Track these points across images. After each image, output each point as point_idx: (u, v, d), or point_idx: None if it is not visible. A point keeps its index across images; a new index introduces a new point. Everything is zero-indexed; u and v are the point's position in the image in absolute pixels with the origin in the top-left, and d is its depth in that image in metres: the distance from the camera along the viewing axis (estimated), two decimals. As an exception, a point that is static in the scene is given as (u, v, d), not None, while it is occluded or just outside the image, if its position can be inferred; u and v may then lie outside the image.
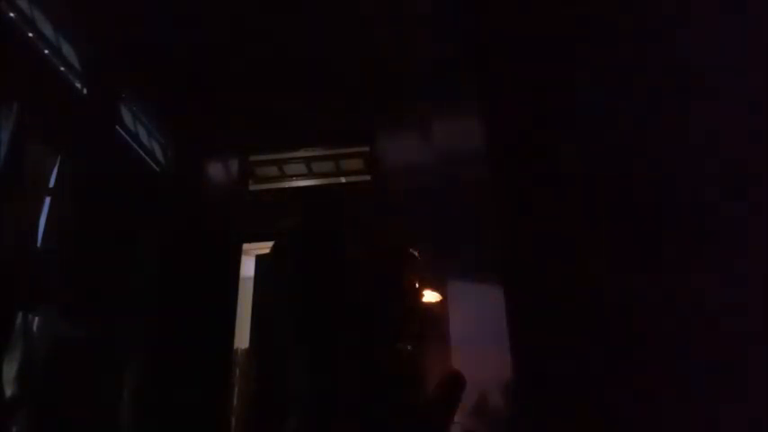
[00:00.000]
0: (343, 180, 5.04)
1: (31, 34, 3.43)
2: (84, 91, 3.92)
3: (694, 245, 1.51)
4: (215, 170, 5.29)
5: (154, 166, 4.88)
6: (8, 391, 2.88)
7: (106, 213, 3.89)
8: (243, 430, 4.59)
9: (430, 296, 2.71)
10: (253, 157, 5.12)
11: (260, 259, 4.81)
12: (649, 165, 1.81)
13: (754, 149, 1.18)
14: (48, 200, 3.48)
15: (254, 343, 4.55)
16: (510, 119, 3.38)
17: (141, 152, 4.71)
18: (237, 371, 4.84)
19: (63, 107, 3.68)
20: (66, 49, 3.79)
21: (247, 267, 4.90)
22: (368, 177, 4.91)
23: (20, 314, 3.05)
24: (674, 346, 1.60)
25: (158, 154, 5.01)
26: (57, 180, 3.56)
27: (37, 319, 3.24)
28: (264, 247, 4.52)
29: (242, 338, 4.72)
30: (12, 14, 3.26)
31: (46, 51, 3.57)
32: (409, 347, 2.32)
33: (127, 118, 4.54)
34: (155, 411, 4.04)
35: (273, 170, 5.16)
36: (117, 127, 4.35)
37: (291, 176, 5.15)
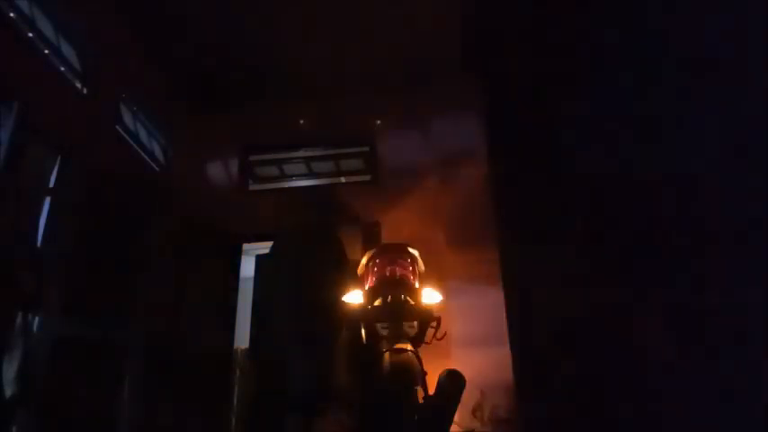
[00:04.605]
0: (343, 180, 5.05)
1: (31, 34, 3.43)
2: (85, 91, 3.92)
3: (695, 245, 1.51)
4: (215, 170, 5.29)
5: (154, 166, 4.88)
6: (8, 391, 2.87)
7: (106, 213, 3.89)
8: (243, 430, 4.59)
9: (430, 296, 2.72)
10: (253, 157, 5.13)
11: (260, 259, 4.81)
12: (651, 164, 1.81)
13: (757, 148, 1.18)
14: (48, 200, 3.48)
15: (254, 343, 4.55)
16: (510, 118, 3.38)
17: (141, 152, 4.71)
18: (237, 371, 4.84)
19: (63, 107, 3.68)
20: (67, 50, 3.79)
21: (247, 267, 4.91)
22: (368, 177, 4.92)
23: (20, 314, 3.05)
24: (675, 346, 1.60)
25: (158, 154, 5.01)
26: (57, 180, 3.56)
27: (37, 319, 3.24)
28: (264, 247, 4.53)
29: (242, 338, 4.72)
30: (12, 14, 3.26)
31: (46, 51, 3.57)
32: (411, 347, 2.32)
33: (127, 118, 4.54)
34: (155, 411, 4.04)
35: (273, 170, 5.16)
36: (117, 127, 4.35)
37: (291, 176, 5.15)
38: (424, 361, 2.29)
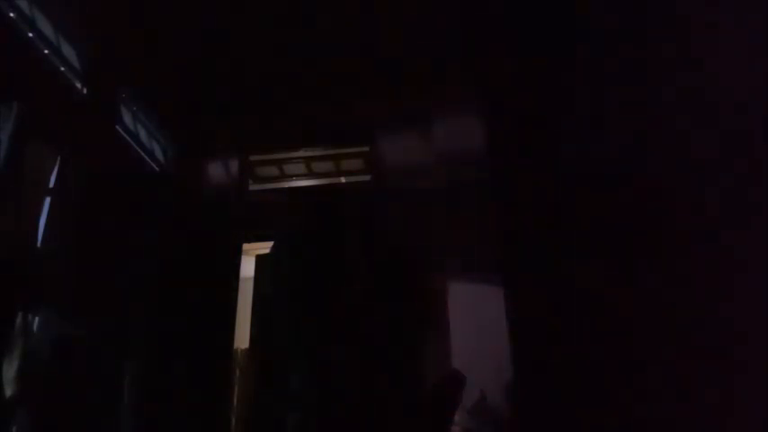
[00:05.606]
0: (343, 180, 5.05)
1: (31, 34, 3.43)
2: (84, 91, 3.91)
3: (695, 245, 1.51)
4: (215, 170, 5.29)
5: (154, 166, 4.88)
6: (8, 391, 2.87)
7: (106, 213, 3.89)
8: (243, 430, 4.59)
9: (430, 296, 2.72)
10: (253, 157, 5.13)
11: (260, 259, 4.81)
12: (650, 165, 1.81)
13: (755, 146, 1.18)
14: (48, 200, 3.48)
15: (254, 343, 4.54)
16: (510, 119, 3.37)
17: (141, 152, 4.71)
18: (237, 371, 4.84)
19: (63, 107, 3.68)
20: (67, 49, 3.79)
21: (247, 267, 4.91)
22: (368, 177, 4.92)
23: (20, 314, 3.05)
24: (675, 345, 1.60)
25: (158, 154, 5.01)
26: (57, 180, 3.56)
27: (37, 319, 3.24)
28: (264, 247, 4.52)
29: (242, 338, 4.72)
30: (12, 14, 3.26)
31: (46, 51, 3.57)
32: (410, 347, 2.32)
33: (127, 118, 4.54)
34: (155, 411, 4.04)
35: (273, 170, 5.16)
36: (117, 127, 4.35)
37: (291, 176, 5.15)
38: (424, 361, 2.29)
